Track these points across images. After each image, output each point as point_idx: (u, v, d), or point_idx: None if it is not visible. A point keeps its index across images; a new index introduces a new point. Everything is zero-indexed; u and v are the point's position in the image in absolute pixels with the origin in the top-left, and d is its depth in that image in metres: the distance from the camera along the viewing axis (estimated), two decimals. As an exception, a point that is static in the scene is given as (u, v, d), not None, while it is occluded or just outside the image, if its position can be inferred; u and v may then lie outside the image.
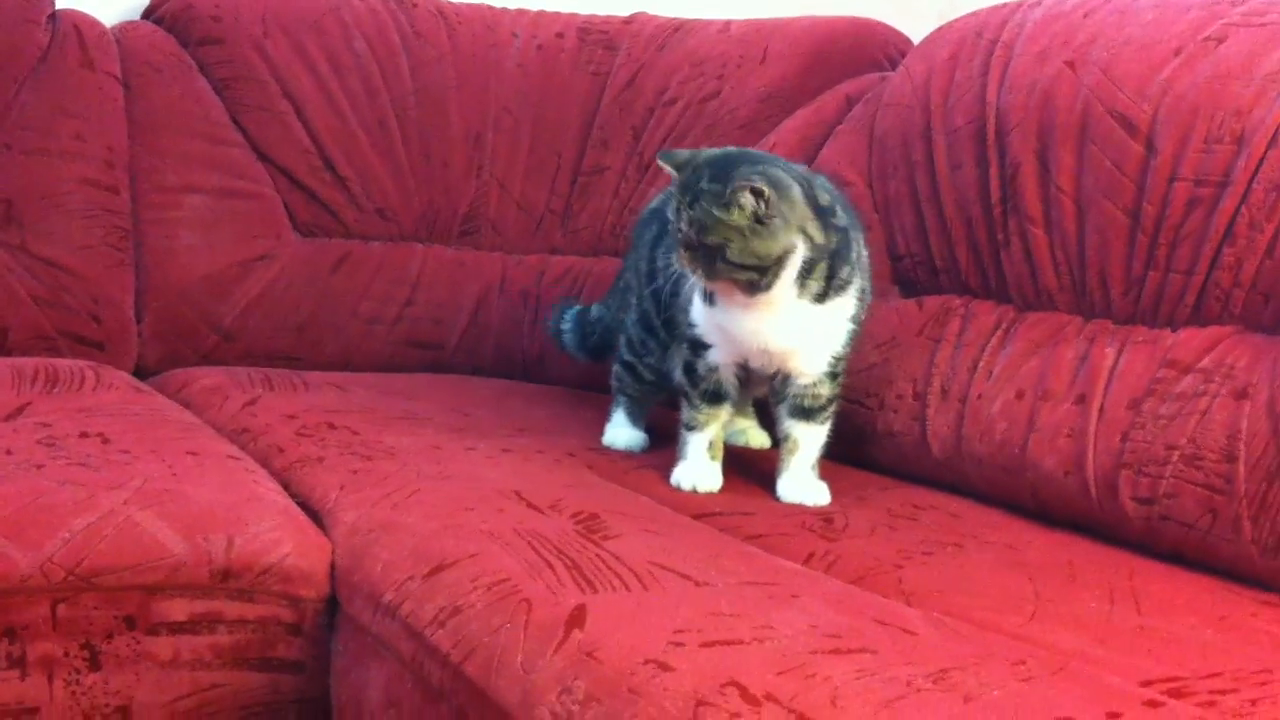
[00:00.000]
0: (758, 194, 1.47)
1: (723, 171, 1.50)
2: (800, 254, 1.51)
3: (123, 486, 1.40)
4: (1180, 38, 1.58)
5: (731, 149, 1.60)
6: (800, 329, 1.57)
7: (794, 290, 1.53)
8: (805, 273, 1.53)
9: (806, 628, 1.13)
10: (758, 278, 1.50)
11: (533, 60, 2.40)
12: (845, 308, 1.59)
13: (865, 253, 1.66)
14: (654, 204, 1.84)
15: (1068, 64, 1.67)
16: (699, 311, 1.62)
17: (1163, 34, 1.60)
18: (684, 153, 1.56)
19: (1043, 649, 1.13)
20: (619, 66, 2.38)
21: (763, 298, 1.52)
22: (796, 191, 1.51)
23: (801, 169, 1.64)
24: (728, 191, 1.47)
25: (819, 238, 1.53)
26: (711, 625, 1.12)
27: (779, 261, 1.50)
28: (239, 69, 2.22)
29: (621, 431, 1.80)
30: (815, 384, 1.60)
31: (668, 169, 1.55)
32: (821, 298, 1.56)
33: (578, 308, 2.05)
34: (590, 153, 2.36)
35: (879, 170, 1.92)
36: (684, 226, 1.50)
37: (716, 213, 1.48)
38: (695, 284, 1.59)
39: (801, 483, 1.60)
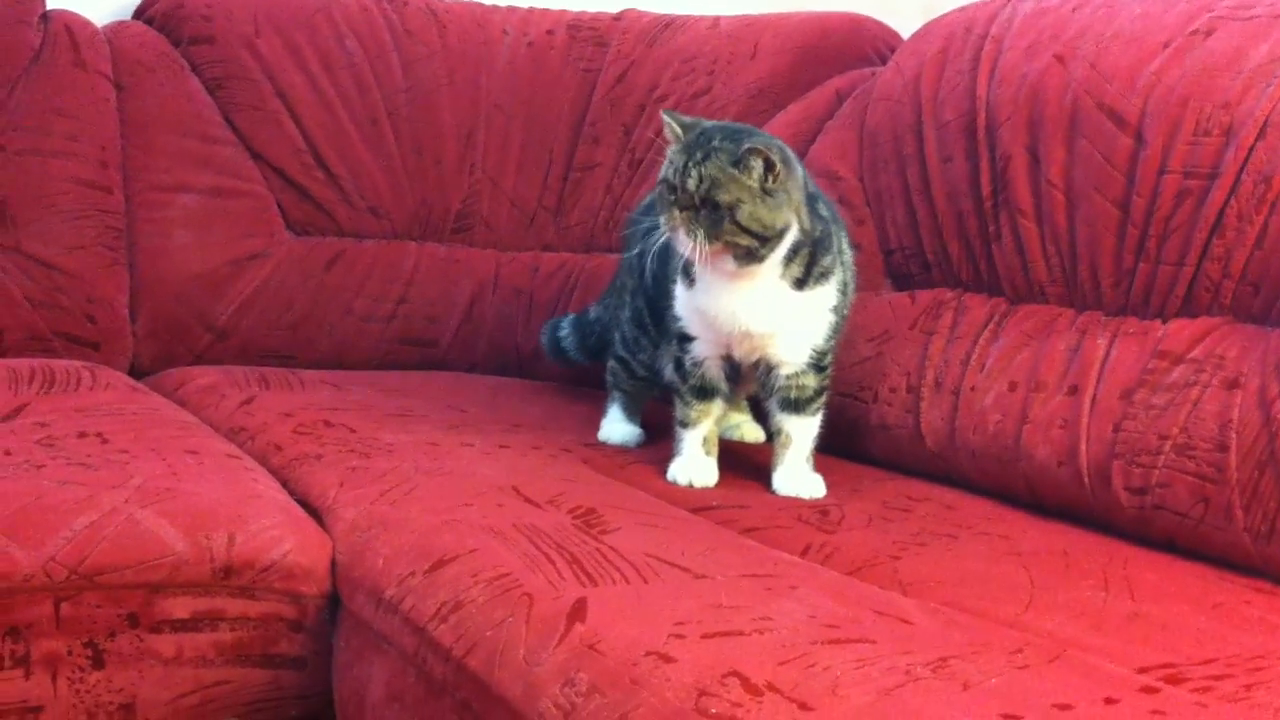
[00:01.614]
0: (769, 164, 1.49)
1: (735, 135, 1.51)
2: (793, 234, 1.53)
3: (123, 485, 1.41)
4: (1168, 31, 1.59)
5: (739, 123, 1.61)
6: (780, 313, 1.58)
7: (778, 270, 1.55)
8: (790, 255, 1.55)
9: (805, 618, 1.14)
10: (758, 246, 1.50)
11: (523, 57, 2.40)
12: (826, 298, 1.60)
13: (848, 249, 1.67)
14: (647, 201, 1.85)
15: (1057, 58, 1.68)
16: (680, 299, 1.62)
17: (1151, 27, 1.61)
18: (688, 117, 1.57)
19: (1039, 637, 1.15)
20: (609, 63, 2.39)
21: (748, 271, 1.53)
22: (800, 172, 1.54)
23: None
24: (741, 150, 1.48)
25: (806, 223, 1.55)
26: (711, 617, 1.13)
27: (779, 234, 1.51)
28: (230, 68, 2.22)
29: (617, 427, 1.81)
30: (799, 374, 1.62)
31: (674, 127, 1.55)
32: (801, 284, 1.57)
33: (572, 315, 2.06)
34: (581, 149, 2.37)
35: (870, 165, 1.93)
36: (691, 183, 1.49)
37: (731, 171, 1.48)
38: (679, 264, 1.59)
39: (797, 475, 1.61)
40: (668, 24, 2.41)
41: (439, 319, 2.29)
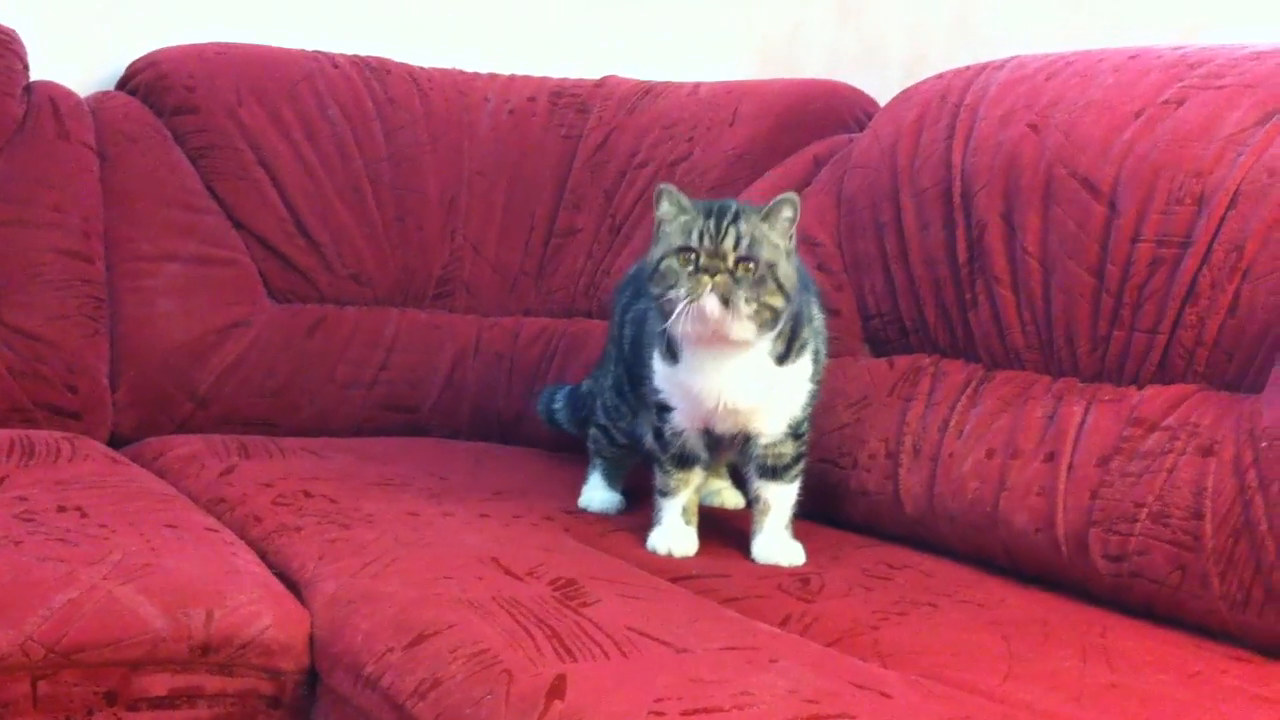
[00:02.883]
0: (794, 217, 1.51)
1: (747, 204, 1.53)
2: (790, 308, 1.54)
3: (102, 561, 1.41)
4: (1141, 100, 1.61)
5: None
6: (763, 389, 1.58)
7: (766, 345, 1.55)
8: (778, 330, 1.55)
9: (786, 693, 1.14)
10: (783, 307, 1.51)
11: (505, 124, 2.42)
12: (804, 369, 1.62)
13: (819, 314, 1.68)
14: (631, 271, 1.86)
15: (1031, 126, 1.70)
16: (660, 373, 1.62)
17: (1123, 96, 1.63)
18: (680, 190, 1.55)
19: (1018, 709, 1.15)
20: (590, 129, 2.41)
21: (747, 343, 1.52)
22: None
23: None
24: (774, 207, 1.50)
25: (792, 295, 1.55)
26: (692, 692, 1.13)
27: (789, 299, 1.52)
28: (213, 137, 2.24)
29: (597, 494, 1.81)
30: (778, 444, 1.62)
31: (676, 197, 1.53)
32: (783, 359, 1.58)
33: (569, 386, 2.07)
34: (563, 214, 2.38)
35: (848, 231, 1.94)
36: (729, 242, 1.46)
37: (763, 225, 1.49)
38: (659, 337, 1.59)
39: (776, 543, 1.61)
40: (648, 90, 2.43)
41: (421, 385, 2.30)
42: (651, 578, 1.51)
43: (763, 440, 1.62)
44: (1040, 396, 1.62)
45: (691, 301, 1.48)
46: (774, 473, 1.62)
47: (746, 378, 1.57)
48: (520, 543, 1.60)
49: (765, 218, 1.50)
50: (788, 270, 1.51)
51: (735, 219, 1.49)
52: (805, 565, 1.60)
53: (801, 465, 1.64)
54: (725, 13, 2.77)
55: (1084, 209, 1.61)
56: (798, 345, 1.58)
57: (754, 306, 1.49)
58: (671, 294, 1.49)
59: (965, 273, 1.75)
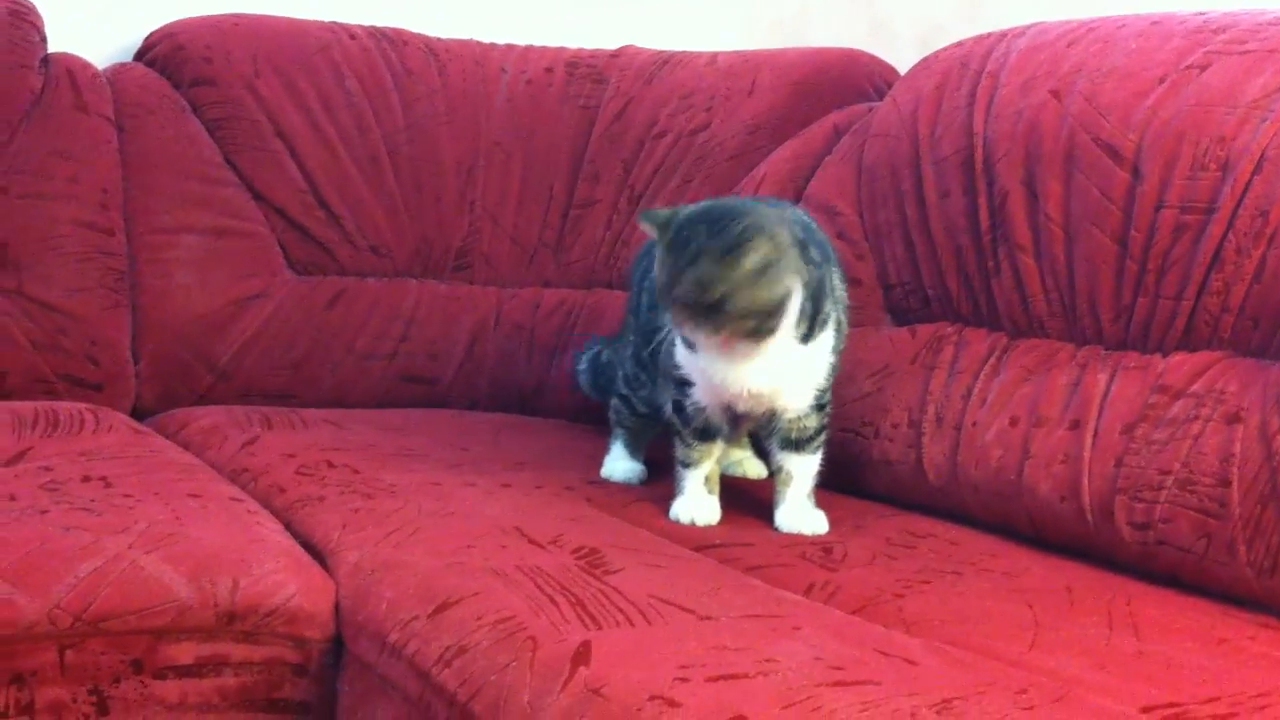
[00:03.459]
0: (760, 244, 1.48)
1: (717, 226, 1.48)
2: (798, 296, 1.53)
3: (127, 530, 1.41)
4: (1164, 66, 1.60)
5: (710, 202, 1.59)
6: (786, 369, 1.58)
7: (789, 331, 1.55)
8: (798, 313, 1.54)
9: (810, 660, 1.14)
10: (765, 323, 1.51)
11: (522, 95, 2.41)
12: (826, 342, 1.61)
13: (840, 285, 1.67)
14: (648, 243, 1.85)
15: (1053, 93, 1.69)
16: (682, 354, 1.62)
17: (1146, 62, 1.62)
18: (663, 212, 1.55)
19: (1043, 676, 1.15)
20: (608, 100, 2.40)
21: (763, 347, 1.53)
22: (786, 233, 1.51)
23: (776, 204, 1.65)
24: (734, 244, 1.47)
25: (805, 276, 1.54)
26: (716, 659, 1.13)
27: (780, 306, 1.51)
28: (231, 109, 2.24)
29: (620, 464, 1.81)
30: (802, 417, 1.62)
31: (650, 230, 1.55)
32: (807, 337, 1.57)
33: (596, 349, 2.06)
34: (581, 186, 2.37)
35: (868, 200, 1.94)
36: (685, 288, 1.48)
37: (720, 269, 1.47)
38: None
39: (799, 512, 1.61)
40: (666, 60, 2.42)
41: (440, 356, 2.30)
42: (674, 546, 1.51)
43: (787, 415, 1.61)
44: (1064, 365, 1.62)
45: (670, 332, 1.55)
46: (797, 445, 1.62)
47: (770, 361, 1.56)
48: (542, 512, 1.60)
49: (732, 257, 1.48)
50: (754, 296, 1.48)
51: (692, 261, 1.47)
52: (828, 534, 1.60)
53: (824, 436, 1.64)
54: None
55: (1107, 175, 1.60)
56: (820, 319, 1.58)
57: (724, 335, 1.51)
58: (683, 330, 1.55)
59: (987, 240, 1.74)
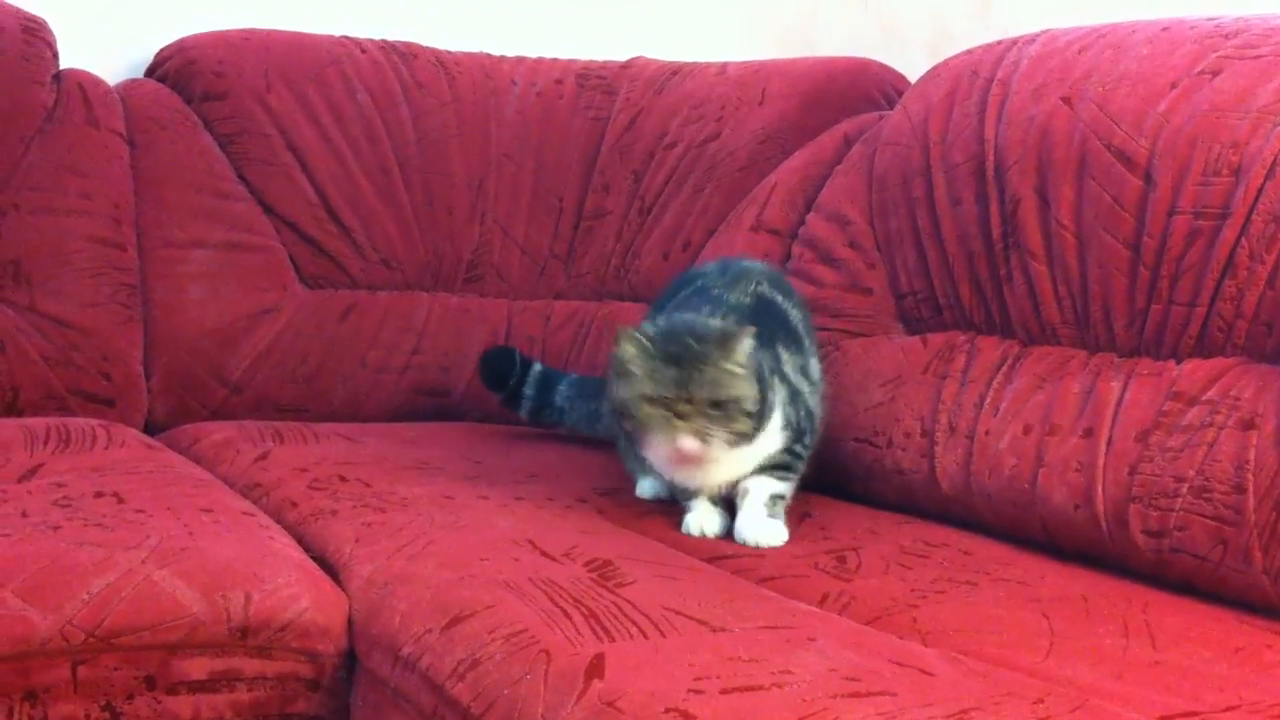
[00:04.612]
0: (749, 342, 1.54)
1: (703, 333, 1.55)
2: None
3: (140, 546, 1.41)
4: (1175, 71, 1.60)
5: (674, 318, 1.63)
6: (740, 463, 1.60)
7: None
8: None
9: (825, 671, 1.13)
10: (756, 420, 1.55)
11: (532, 106, 2.42)
12: (774, 425, 1.61)
13: (802, 318, 1.72)
14: (693, 271, 1.85)
15: (1064, 100, 1.69)
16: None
17: (1157, 68, 1.62)
18: (641, 334, 1.56)
19: (1060, 686, 1.14)
20: (618, 111, 2.40)
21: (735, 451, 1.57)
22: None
23: (737, 270, 1.74)
24: (729, 343, 1.53)
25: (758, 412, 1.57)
26: (730, 671, 1.13)
27: (763, 403, 1.56)
28: (242, 123, 2.24)
29: (648, 482, 1.79)
30: (772, 458, 1.63)
31: (634, 348, 1.55)
32: (754, 435, 1.58)
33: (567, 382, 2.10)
34: (592, 197, 2.37)
35: (879, 208, 1.93)
36: (698, 391, 1.52)
37: (724, 365, 1.53)
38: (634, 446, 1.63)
39: (752, 524, 1.60)
40: (675, 71, 2.42)
41: (452, 369, 2.30)
42: (687, 558, 1.51)
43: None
44: (1077, 372, 1.61)
45: (669, 444, 1.54)
46: (762, 469, 1.62)
47: (723, 466, 1.59)
48: (555, 525, 1.60)
49: (726, 356, 1.53)
50: (752, 394, 1.55)
51: (700, 362, 1.53)
52: (842, 544, 1.59)
53: (795, 471, 1.64)
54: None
55: (1119, 182, 1.59)
56: (766, 411, 1.58)
57: (725, 435, 1.55)
58: (648, 436, 1.56)
59: (999, 248, 1.73)
